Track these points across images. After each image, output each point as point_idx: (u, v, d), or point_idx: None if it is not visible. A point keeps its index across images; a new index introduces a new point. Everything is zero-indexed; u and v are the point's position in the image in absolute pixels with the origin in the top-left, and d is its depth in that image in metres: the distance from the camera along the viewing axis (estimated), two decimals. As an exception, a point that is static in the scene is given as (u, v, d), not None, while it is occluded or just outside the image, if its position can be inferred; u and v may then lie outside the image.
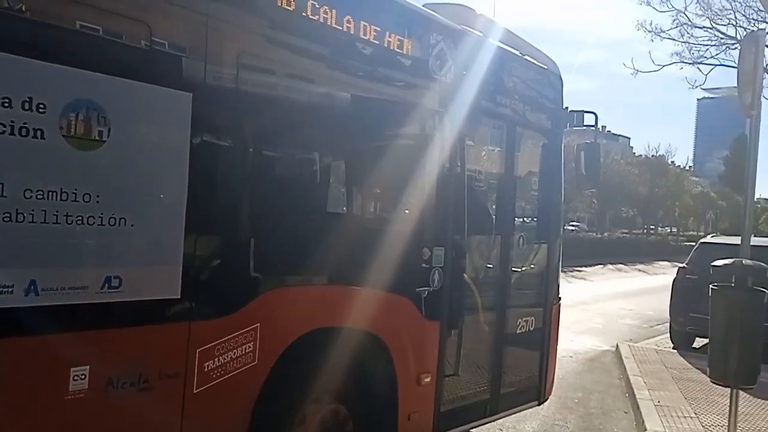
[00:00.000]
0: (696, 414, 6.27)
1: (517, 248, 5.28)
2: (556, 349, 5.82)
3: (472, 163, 4.95)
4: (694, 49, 24.57)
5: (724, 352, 4.83)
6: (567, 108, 5.76)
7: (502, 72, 4.98)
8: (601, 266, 27.59)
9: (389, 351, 4.00)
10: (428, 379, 4.27)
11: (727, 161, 56.61)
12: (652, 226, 57.57)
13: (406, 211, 4.21)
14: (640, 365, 8.30)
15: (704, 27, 24.00)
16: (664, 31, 24.75)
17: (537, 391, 5.49)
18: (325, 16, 3.50)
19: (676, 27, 24.27)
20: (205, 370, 3.02)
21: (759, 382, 4.86)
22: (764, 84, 11.18)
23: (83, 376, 2.62)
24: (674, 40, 24.75)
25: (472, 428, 5.02)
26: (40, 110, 2.45)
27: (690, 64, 24.92)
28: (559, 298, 5.79)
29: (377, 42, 3.85)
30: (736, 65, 5.21)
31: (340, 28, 3.60)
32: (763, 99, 5.30)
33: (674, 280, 10.33)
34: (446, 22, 4.43)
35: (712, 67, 25.07)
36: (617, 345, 9.74)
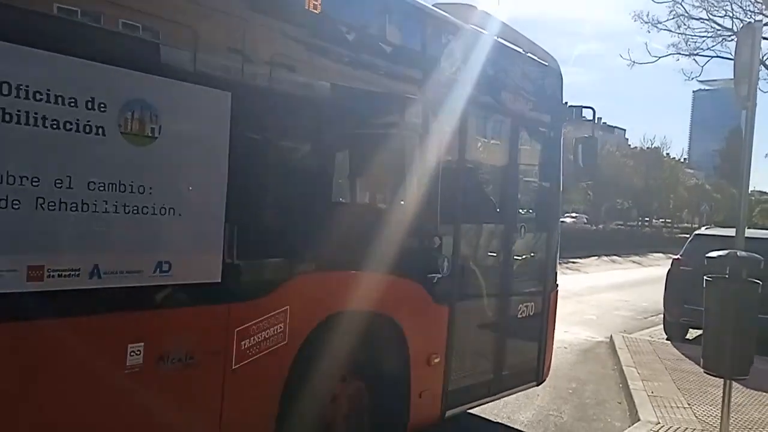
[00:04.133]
0: (689, 404, 6.31)
1: (518, 237, 5.56)
2: (554, 334, 6.09)
3: (479, 156, 5.26)
4: (690, 40, 24.63)
5: (717, 343, 4.86)
6: (566, 103, 6.03)
7: (506, 68, 5.32)
8: (596, 258, 27.69)
9: (403, 333, 4.27)
10: (438, 360, 4.56)
11: (722, 153, 56.81)
12: (647, 218, 57.66)
13: (420, 202, 4.42)
14: (634, 356, 8.34)
15: (701, 18, 24.04)
16: (660, 23, 24.79)
17: (536, 373, 5.82)
18: (349, 18, 3.84)
19: (673, 18, 24.31)
20: (242, 348, 3.30)
21: (752, 372, 4.89)
22: (760, 76, 11.20)
23: (138, 352, 2.89)
24: (671, 31, 24.79)
25: (474, 408, 5.30)
26: (101, 109, 2.70)
27: (686, 55, 24.98)
28: (557, 285, 6.07)
29: (396, 42, 4.23)
30: (732, 57, 5.20)
31: (362, 29, 3.99)
32: (759, 91, 5.30)
33: (668, 271, 10.38)
34: (456, 22, 4.71)
35: (709, 58, 25.14)
36: (611, 336, 9.78)
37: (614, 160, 49.23)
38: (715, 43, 24.35)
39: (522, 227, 5.66)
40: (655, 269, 19.08)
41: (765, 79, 23.19)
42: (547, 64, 5.80)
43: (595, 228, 42.01)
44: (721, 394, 5.03)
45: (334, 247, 3.74)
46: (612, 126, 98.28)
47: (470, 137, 4.92)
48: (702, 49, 24.71)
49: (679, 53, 25.13)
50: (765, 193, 67.60)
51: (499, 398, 5.54)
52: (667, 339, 10.08)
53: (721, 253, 4.94)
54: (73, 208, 2.65)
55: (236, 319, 3.27)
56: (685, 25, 24.42)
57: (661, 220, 61.12)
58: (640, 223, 55.91)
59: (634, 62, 25.33)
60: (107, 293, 2.78)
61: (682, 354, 8.64)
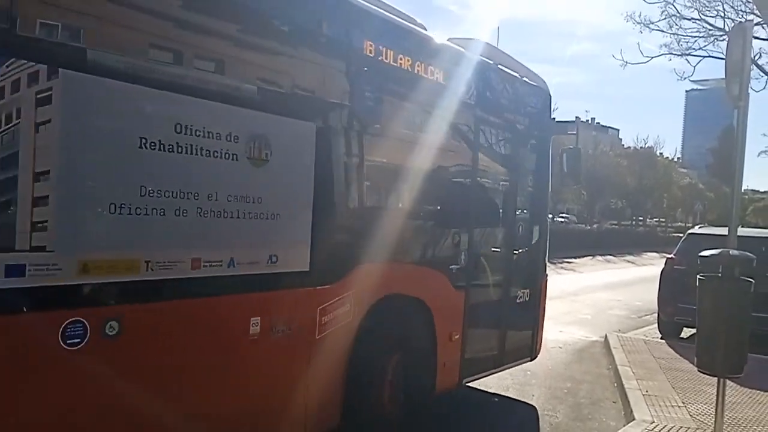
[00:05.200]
0: (684, 403, 6.33)
1: (516, 234, 6.65)
2: (545, 316, 7.07)
3: (486, 166, 6.12)
4: (682, 40, 24.67)
5: (711, 342, 4.86)
6: (554, 119, 7.24)
7: (507, 91, 6.40)
8: (590, 257, 27.75)
9: (432, 314, 5.28)
10: (457, 336, 5.60)
11: (714, 152, 56.98)
12: (641, 218, 57.85)
13: (445, 209, 5.60)
14: (629, 355, 8.36)
15: (693, 18, 24.08)
16: (653, 23, 24.82)
17: (530, 349, 6.88)
18: (389, 58, 4.81)
19: (665, 18, 24.34)
20: (323, 322, 4.30)
21: (745, 371, 4.89)
22: (752, 75, 11.24)
23: (257, 324, 3.86)
24: (663, 31, 24.83)
25: (483, 378, 6.21)
26: (236, 141, 3.64)
27: (678, 55, 25.03)
28: (546, 274, 7.14)
29: (432, 75, 5.23)
30: (724, 56, 5.21)
31: (401, 66, 4.94)
32: (750, 90, 5.30)
33: (662, 270, 10.40)
34: (471, 56, 5.73)
35: (701, 58, 25.19)
36: (606, 335, 9.80)
37: (608, 159, 49.39)
38: (707, 43, 24.41)
39: (519, 226, 6.72)
40: (649, 268, 19.15)
41: (756, 78, 23.31)
42: (538, 85, 6.80)
43: (589, 228, 42.11)
44: (715, 393, 5.03)
45: (384, 244, 4.75)
46: (605, 126, 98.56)
47: (481, 151, 5.90)
48: (694, 49, 24.77)
49: (672, 53, 25.18)
50: (758, 191, 67.91)
51: (501, 371, 6.51)
52: (661, 338, 10.10)
53: (714, 251, 4.94)
54: (218, 215, 3.59)
55: (319, 299, 4.27)
56: (677, 25, 24.48)
57: (654, 219, 61.35)
58: (634, 222, 56.09)
59: (626, 62, 25.32)
60: (239, 279, 3.73)
61: (677, 353, 8.66)
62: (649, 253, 32.04)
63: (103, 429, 3.20)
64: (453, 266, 5.53)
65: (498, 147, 6.47)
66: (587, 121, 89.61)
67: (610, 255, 30.05)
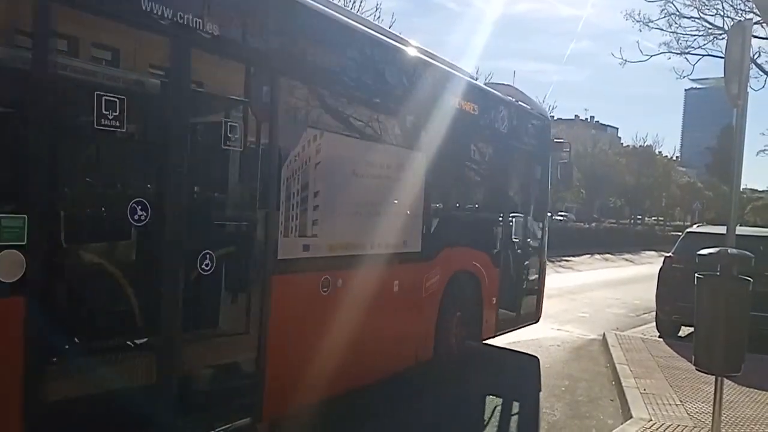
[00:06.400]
0: (681, 401, 6.34)
1: (528, 226, 8.90)
2: (544, 290, 9.32)
3: (510, 174, 8.40)
4: (681, 39, 24.71)
5: (709, 341, 4.86)
6: (553, 139, 9.70)
7: (523, 122, 8.56)
8: (589, 256, 27.76)
9: (480, 283, 7.52)
10: (494, 301, 7.87)
11: (713, 151, 56.98)
12: (639, 216, 57.85)
13: (491, 208, 8.10)
14: (627, 353, 8.37)
15: (692, 17, 24.12)
16: (652, 21, 24.86)
17: (535, 316, 9.18)
18: (467, 106, 7.04)
19: (665, 17, 24.38)
20: (426, 286, 6.44)
21: (743, 369, 4.90)
22: (751, 74, 11.23)
23: (397, 285, 5.93)
24: (662, 30, 24.87)
25: (505, 334, 8.38)
26: (388, 168, 5.74)
27: (678, 54, 25.06)
28: (546, 257, 9.49)
29: (484, 115, 7.56)
30: (723, 55, 5.21)
31: (471, 111, 7.16)
32: (749, 89, 5.30)
33: (660, 269, 10.40)
34: (504, 97, 8.12)
35: (700, 57, 25.23)
36: (604, 334, 9.81)
37: (606, 158, 49.37)
38: (706, 42, 24.46)
39: (531, 222, 8.96)
40: (648, 267, 19.16)
41: (755, 77, 23.34)
42: (542, 115, 9.44)
43: (588, 226, 42.10)
44: (713, 391, 5.04)
45: (456, 235, 7.05)
46: (604, 124, 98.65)
47: (509, 166, 8.31)
48: (693, 47, 24.81)
49: (671, 52, 25.23)
50: (756, 190, 67.92)
51: (517, 330, 8.69)
52: (659, 336, 10.10)
53: (712, 250, 4.95)
54: (382, 216, 5.67)
55: (424, 270, 6.43)
56: (676, 23, 24.52)
57: (653, 218, 61.33)
58: (632, 221, 56.08)
59: (626, 61, 25.38)
60: (391, 256, 5.79)
61: (675, 351, 8.67)
62: (648, 252, 32.08)
63: (335, 334, 4.98)
64: (493, 250, 7.90)
65: (517, 162, 8.56)
66: (586, 119, 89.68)
67: (609, 253, 30.06)
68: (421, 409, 6.04)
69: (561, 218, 43.01)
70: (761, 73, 24.17)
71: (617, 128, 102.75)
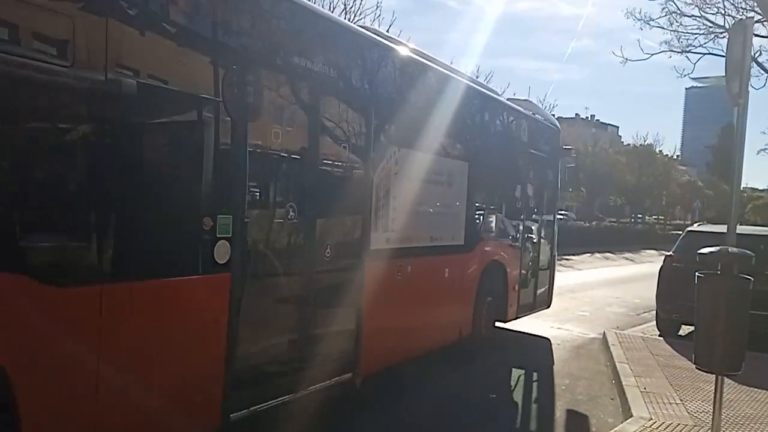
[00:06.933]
0: (681, 400, 6.34)
1: (542, 223, 10.21)
2: (554, 280, 10.67)
3: (531, 179, 9.66)
4: (682, 37, 24.61)
5: (709, 339, 4.86)
6: (562, 146, 11.30)
7: (539, 132, 9.97)
8: (589, 255, 27.74)
9: (506, 272, 8.75)
10: (516, 288, 9.06)
11: (714, 150, 56.86)
12: (640, 215, 57.82)
13: (515, 209, 9.30)
14: (627, 352, 8.38)
15: (693, 15, 24.02)
16: (653, 20, 24.76)
17: (548, 302, 10.45)
18: (499, 122, 8.83)
19: (665, 15, 24.29)
20: (467, 273, 7.76)
21: (743, 368, 4.89)
22: (752, 73, 11.23)
23: (447, 272, 7.30)
24: (663, 28, 24.77)
25: (523, 317, 9.58)
26: (442, 177, 7.04)
27: (678, 52, 24.97)
28: (556, 250, 10.91)
29: (512, 129, 9.17)
30: (724, 54, 5.19)
31: (503, 127, 8.97)
32: (750, 88, 5.28)
33: (661, 268, 10.39)
34: (520, 109, 9.47)
35: (701, 55, 25.14)
36: (604, 332, 9.82)
37: (607, 157, 49.37)
38: (707, 40, 24.37)
39: (545, 218, 10.29)
40: (648, 266, 19.15)
41: (756, 76, 23.27)
42: (554, 125, 10.90)
43: (588, 225, 42.07)
44: (713, 390, 5.03)
45: (489, 230, 8.42)
46: (605, 123, 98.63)
47: (530, 171, 9.68)
48: (694, 46, 24.72)
49: (672, 50, 25.13)
50: (757, 189, 67.87)
51: (532, 314, 9.87)
52: (659, 335, 10.09)
53: (712, 249, 4.94)
54: (437, 214, 7.13)
55: (465, 260, 7.72)
56: (677, 22, 24.42)
57: (653, 216, 61.32)
58: (632, 219, 56.06)
59: (626, 59, 25.22)
60: (442, 248, 7.08)
61: (675, 350, 8.68)
62: (648, 251, 32.07)
63: (407, 309, 6.46)
64: (516, 244, 9.16)
65: (534, 167, 9.79)
66: (587, 118, 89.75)
67: (609, 252, 30.05)
68: (466, 375, 7.48)
69: (561, 217, 42.97)
70: (762, 71, 24.13)
71: (618, 127, 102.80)
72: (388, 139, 5.92)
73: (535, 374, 7.79)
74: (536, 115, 9.99)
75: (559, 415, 6.23)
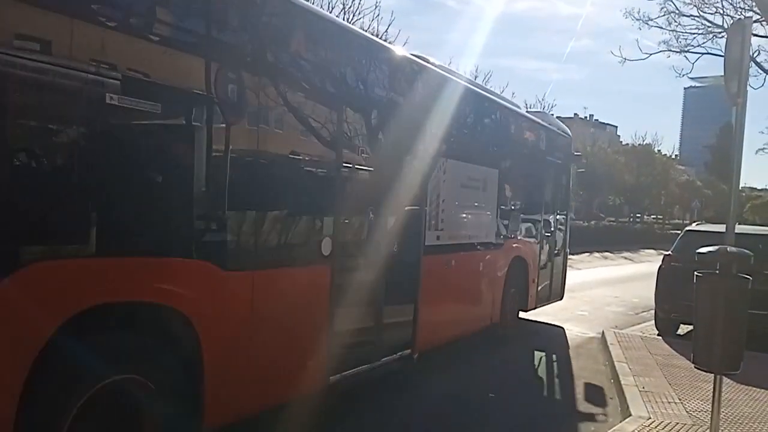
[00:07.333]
0: (680, 399, 6.35)
1: (558, 221, 11.34)
2: (566, 273, 11.94)
3: (548, 182, 10.91)
4: (681, 37, 24.67)
5: (708, 339, 4.86)
6: (573, 152, 12.32)
7: (555, 141, 11.13)
8: (588, 254, 27.72)
9: (528, 266, 9.81)
10: (535, 281, 10.18)
11: (712, 150, 56.93)
12: (639, 215, 57.84)
13: (536, 209, 10.36)
14: (626, 351, 8.38)
15: (691, 15, 24.09)
16: (651, 19, 24.83)
17: (561, 294, 11.60)
18: (525, 134, 10.08)
19: (664, 15, 24.34)
20: (497, 267, 8.81)
21: (742, 368, 4.90)
22: (750, 72, 11.25)
23: (482, 265, 8.40)
24: (662, 28, 24.84)
25: (541, 307, 10.73)
26: (479, 184, 8.11)
27: (677, 52, 25.03)
28: (568, 249, 12.16)
29: (533, 139, 10.39)
30: (722, 53, 5.20)
31: (527, 137, 10.18)
32: (749, 87, 5.29)
33: (659, 267, 10.39)
34: (539, 121, 10.66)
35: (699, 55, 25.22)
36: (603, 332, 9.83)
37: (606, 156, 49.33)
38: (705, 40, 24.44)
39: (558, 217, 11.34)
40: (647, 265, 19.16)
41: (755, 76, 23.32)
42: (566, 133, 11.84)
43: (587, 224, 42.07)
44: (712, 389, 5.04)
45: (515, 229, 9.38)
46: (604, 123, 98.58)
47: (546, 175, 10.81)
48: (693, 45, 24.80)
49: (670, 50, 25.21)
50: (755, 189, 67.99)
51: (547, 305, 10.93)
52: (658, 334, 10.10)
53: (711, 248, 4.94)
54: (474, 216, 8.15)
55: (497, 256, 8.73)
56: (676, 22, 24.50)
57: (652, 216, 61.31)
58: (631, 219, 56.08)
59: (625, 59, 25.33)
60: (478, 244, 8.23)
61: (673, 349, 8.69)
62: (647, 250, 32.09)
63: (453, 298, 7.77)
64: (535, 241, 10.26)
65: (550, 172, 10.95)
66: (585, 117, 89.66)
67: (608, 251, 30.04)
68: (499, 356, 8.49)
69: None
70: (761, 71, 24.17)
71: (616, 126, 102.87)
72: (438, 152, 6.93)
73: (553, 357, 8.85)
74: (551, 126, 11.11)
75: (558, 414, 6.24)
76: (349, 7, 18.66)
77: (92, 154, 3.36)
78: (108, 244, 3.42)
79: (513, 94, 29.41)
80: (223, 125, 4.16)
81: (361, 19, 18.68)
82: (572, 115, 77.66)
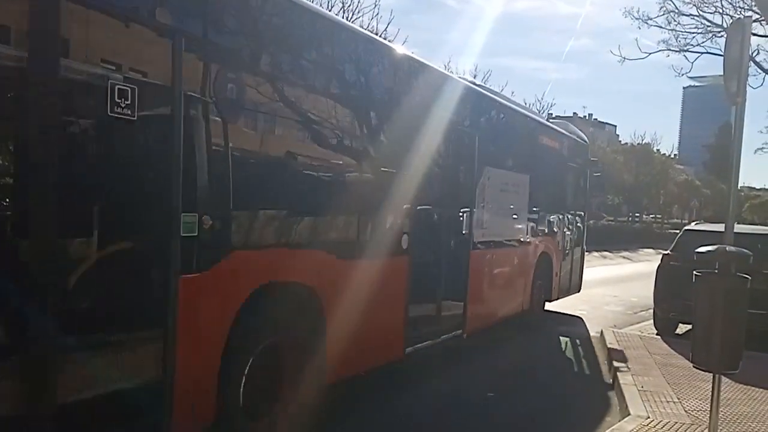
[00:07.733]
0: (679, 399, 6.35)
1: (575, 220, 12.43)
2: (583, 269, 13.07)
3: (568, 184, 12.19)
4: (680, 36, 24.70)
5: (707, 338, 4.86)
6: (590, 158, 13.57)
7: (574, 148, 12.27)
8: (587, 253, 27.71)
9: (552, 261, 10.99)
10: (557, 274, 11.30)
11: (711, 149, 56.89)
12: (637, 214, 57.86)
13: (559, 208, 11.56)
14: (625, 351, 8.38)
15: (691, 14, 24.11)
16: (651, 19, 24.84)
17: (579, 287, 12.79)
18: (551, 142, 11.31)
19: (664, 14, 24.36)
20: (528, 259, 10.06)
21: (741, 367, 4.90)
22: (749, 72, 11.23)
23: (516, 258, 9.68)
24: (661, 27, 24.86)
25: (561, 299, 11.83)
26: (516, 188, 9.48)
27: (676, 51, 25.06)
28: (584, 247, 13.38)
29: (558, 147, 11.61)
30: (722, 53, 5.20)
31: (552, 145, 11.38)
32: (748, 87, 5.29)
33: (658, 266, 10.39)
34: (562, 131, 11.82)
35: (698, 54, 25.24)
36: (602, 331, 9.83)
37: (604, 155, 49.32)
38: (705, 40, 24.48)
39: (576, 217, 12.51)
40: (646, 264, 19.17)
41: (754, 75, 23.33)
42: (584, 139, 13.18)
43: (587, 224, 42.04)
44: (711, 389, 5.04)
45: (541, 226, 10.53)
46: (603, 122, 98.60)
47: (567, 179, 12.10)
48: (692, 45, 24.84)
49: (670, 49, 25.26)
50: (754, 188, 68.04)
51: (566, 296, 11.98)
52: (657, 334, 10.10)
53: (710, 248, 4.93)
54: (508, 216, 9.29)
55: (528, 251, 10.01)
56: (675, 21, 24.54)
57: (651, 215, 61.34)
58: (630, 218, 56.10)
59: (624, 58, 25.43)
60: (513, 240, 9.52)
61: (672, 349, 8.69)
62: (645, 249, 32.13)
63: (494, 286, 8.94)
64: (558, 238, 11.34)
65: (570, 176, 12.19)
66: (584, 116, 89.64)
67: (607, 251, 30.06)
68: (530, 339, 9.63)
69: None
70: (760, 71, 24.19)
71: (615, 126, 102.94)
72: (483, 161, 8.12)
73: (577, 341, 9.76)
74: (572, 134, 12.36)
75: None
76: (348, 6, 18.65)
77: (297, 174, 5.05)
78: (285, 238, 4.82)
79: (512, 93, 29.43)
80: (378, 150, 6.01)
81: (361, 18, 18.67)
82: (571, 114, 77.67)
